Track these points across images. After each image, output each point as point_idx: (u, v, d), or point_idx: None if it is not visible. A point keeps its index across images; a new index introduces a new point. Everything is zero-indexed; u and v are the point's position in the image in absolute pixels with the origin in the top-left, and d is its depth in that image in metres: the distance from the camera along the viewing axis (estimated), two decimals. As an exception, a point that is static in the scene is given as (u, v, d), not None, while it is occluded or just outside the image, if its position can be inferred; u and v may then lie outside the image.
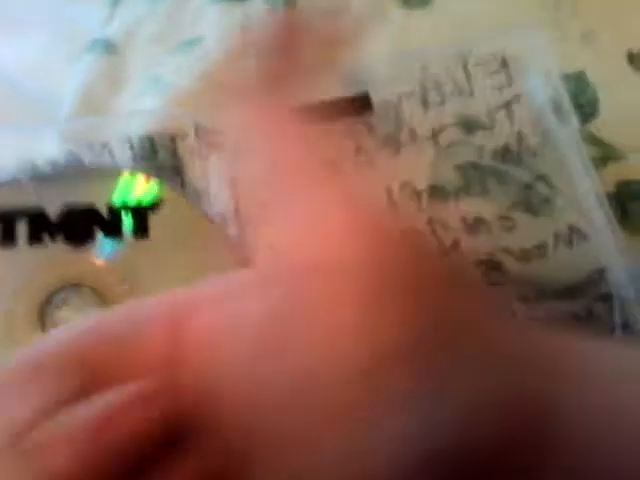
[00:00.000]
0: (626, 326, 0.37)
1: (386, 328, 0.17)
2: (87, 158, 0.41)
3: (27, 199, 0.40)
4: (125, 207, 0.39)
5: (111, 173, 0.41)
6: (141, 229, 0.39)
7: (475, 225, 0.39)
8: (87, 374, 0.20)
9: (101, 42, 0.47)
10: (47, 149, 0.42)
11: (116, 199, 0.39)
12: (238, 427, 0.20)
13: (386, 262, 0.18)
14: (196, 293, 0.22)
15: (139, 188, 0.40)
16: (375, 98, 0.41)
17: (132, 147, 0.41)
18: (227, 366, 0.20)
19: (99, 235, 0.39)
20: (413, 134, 0.41)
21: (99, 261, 0.39)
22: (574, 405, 0.18)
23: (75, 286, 0.38)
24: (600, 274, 0.38)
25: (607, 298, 0.37)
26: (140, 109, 0.44)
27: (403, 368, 0.17)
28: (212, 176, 0.40)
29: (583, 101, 0.42)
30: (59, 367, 0.20)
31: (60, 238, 0.39)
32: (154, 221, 0.39)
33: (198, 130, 0.41)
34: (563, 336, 0.20)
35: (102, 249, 0.39)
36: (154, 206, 0.39)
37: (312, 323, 0.18)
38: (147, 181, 0.40)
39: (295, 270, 0.19)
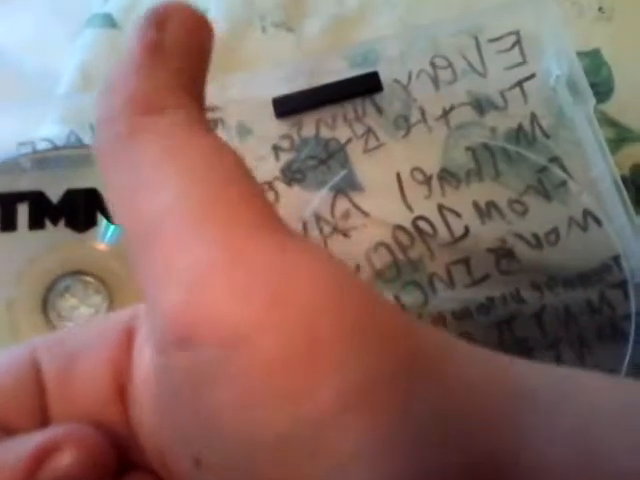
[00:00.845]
0: (641, 314, 0.36)
1: (315, 385, 0.15)
2: (89, 139, 0.40)
3: (27, 182, 0.39)
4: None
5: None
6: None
7: (487, 210, 0.38)
8: None
9: (100, 16, 0.45)
10: (47, 129, 0.41)
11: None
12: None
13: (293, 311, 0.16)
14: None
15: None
16: (384, 77, 0.39)
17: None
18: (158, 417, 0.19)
19: (102, 220, 0.38)
20: (423, 114, 0.39)
21: (102, 247, 0.38)
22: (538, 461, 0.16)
23: (78, 273, 0.38)
24: (614, 260, 0.37)
25: (621, 285, 0.37)
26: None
27: (346, 424, 0.15)
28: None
29: (597, 80, 0.41)
30: None
31: (62, 222, 0.38)
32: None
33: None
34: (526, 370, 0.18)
35: (105, 234, 0.38)
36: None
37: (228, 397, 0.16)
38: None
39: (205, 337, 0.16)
